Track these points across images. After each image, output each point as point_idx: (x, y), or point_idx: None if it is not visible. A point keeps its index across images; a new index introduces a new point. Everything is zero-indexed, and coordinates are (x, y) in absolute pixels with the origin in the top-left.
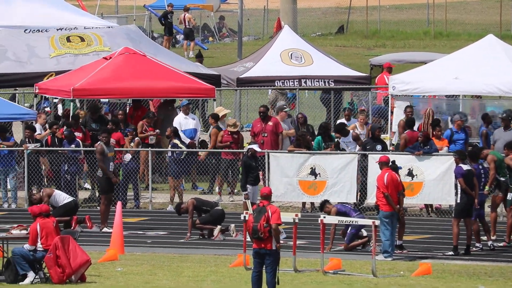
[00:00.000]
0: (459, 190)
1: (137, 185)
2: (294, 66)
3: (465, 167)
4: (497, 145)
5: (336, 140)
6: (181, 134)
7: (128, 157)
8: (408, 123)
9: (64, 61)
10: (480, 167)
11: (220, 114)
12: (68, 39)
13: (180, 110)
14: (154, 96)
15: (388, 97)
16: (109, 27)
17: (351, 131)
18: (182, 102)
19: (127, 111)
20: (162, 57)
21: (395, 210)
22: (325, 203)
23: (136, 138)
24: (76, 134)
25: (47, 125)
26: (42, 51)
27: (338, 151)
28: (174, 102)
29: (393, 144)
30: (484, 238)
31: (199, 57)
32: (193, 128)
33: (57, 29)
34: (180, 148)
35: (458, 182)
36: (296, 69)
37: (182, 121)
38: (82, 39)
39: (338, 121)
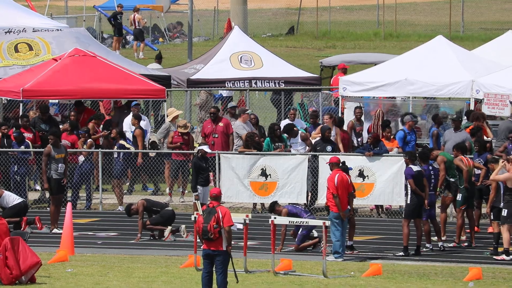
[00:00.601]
0: (409, 191)
1: (90, 187)
2: (243, 70)
3: (415, 168)
4: (447, 146)
5: (286, 138)
6: (131, 135)
7: (81, 159)
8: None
9: (12, 72)
10: (430, 168)
11: (172, 115)
12: (16, 49)
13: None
14: (104, 97)
15: (339, 98)
16: (58, 30)
17: (299, 131)
18: (132, 103)
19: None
20: (112, 60)
21: (341, 214)
22: (274, 204)
23: (89, 140)
24: (26, 135)
25: None
26: None
27: (289, 152)
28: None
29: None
30: (434, 238)
31: (159, 58)
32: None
33: (6, 32)
34: (128, 148)
35: (408, 183)
36: (245, 72)
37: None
38: (30, 48)
39: (283, 122)
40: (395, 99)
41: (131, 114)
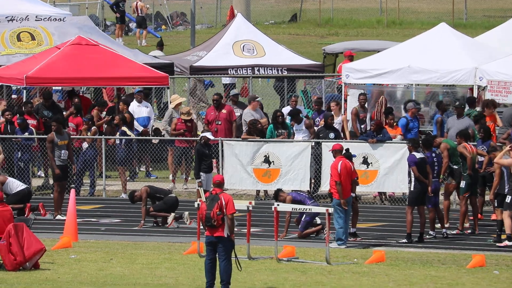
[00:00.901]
0: (412, 178)
1: (94, 173)
2: (246, 58)
3: (418, 155)
4: (450, 133)
5: (290, 124)
6: (135, 122)
7: (85, 145)
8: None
9: (15, 60)
10: (434, 155)
11: (176, 102)
12: (18, 38)
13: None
14: (107, 85)
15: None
16: (61, 19)
17: (304, 118)
18: (135, 90)
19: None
20: (115, 49)
21: (341, 202)
22: (278, 192)
23: (93, 127)
24: (30, 121)
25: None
26: None
27: (292, 139)
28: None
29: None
30: (438, 226)
31: (160, 45)
32: (146, 116)
33: (8, 20)
34: (129, 135)
35: (411, 170)
36: (248, 60)
37: (136, 109)
38: (33, 37)
39: (285, 109)
40: (398, 86)
41: (134, 100)
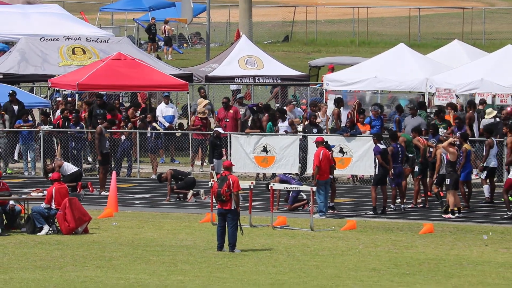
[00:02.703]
0: (377, 164)
1: (131, 159)
2: (248, 70)
3: (382, 146)
4: (406, 129)
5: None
6: (162, 119)
7: (123, 137)
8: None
9: (70, 70)
10: (398, 146)
11: (202, 104)
12: (73, 51)
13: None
14: (140, 90)
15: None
16: (105, 41)
17: (287, 117)
18: (163, 94)
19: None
20: (147, 61)
21: (314, 183)
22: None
23: (129, 123)
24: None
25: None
26: (53, 59)
27: (285, 133)
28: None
29: (329, 128)
30: (397, 201)
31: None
32: (171, 114)
33: (66, 39)
34: (158, 130)
35: (376, 158)
36: (250, 71)
37: (163, 109)
38: (84, 52)
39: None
40: (367, 92)
41: (162, 102)
